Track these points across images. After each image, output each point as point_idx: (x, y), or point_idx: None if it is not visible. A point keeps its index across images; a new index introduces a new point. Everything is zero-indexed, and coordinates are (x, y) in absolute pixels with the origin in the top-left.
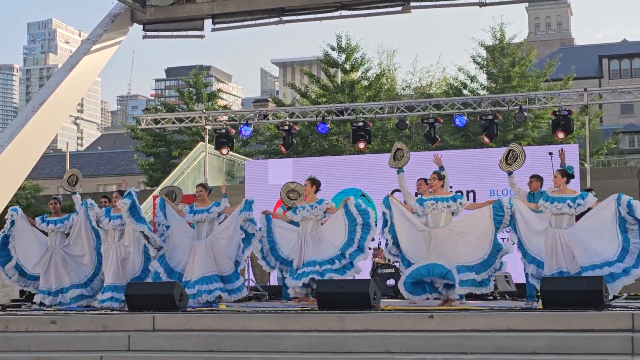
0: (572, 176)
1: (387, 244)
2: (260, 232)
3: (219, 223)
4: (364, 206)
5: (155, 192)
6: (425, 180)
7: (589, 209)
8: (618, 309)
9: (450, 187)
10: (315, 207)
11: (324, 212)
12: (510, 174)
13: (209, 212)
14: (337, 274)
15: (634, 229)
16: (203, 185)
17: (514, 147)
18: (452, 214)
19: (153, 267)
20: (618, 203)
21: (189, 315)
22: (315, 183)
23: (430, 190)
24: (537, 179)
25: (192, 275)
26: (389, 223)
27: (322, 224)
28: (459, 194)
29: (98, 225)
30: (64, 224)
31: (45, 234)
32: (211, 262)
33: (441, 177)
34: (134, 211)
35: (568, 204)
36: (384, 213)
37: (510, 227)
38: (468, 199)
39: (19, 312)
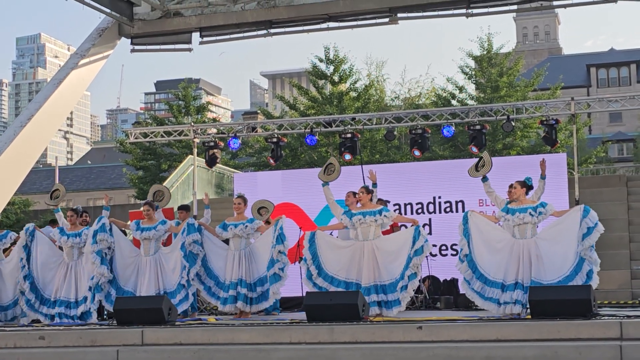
0: (531, 187)
1: (310, 275)
2: (202, 251)
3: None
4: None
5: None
6: (354, 193)
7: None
8: (606, 317)
9: (439, 198)
10: (247, 225)
11: (255, 231)
12: (484, 180)
13: (156, 230)
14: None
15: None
16: (149, 204)
17: (483, 155)
18: (380, 226)
19: (106, 290)
20: (584, 215)
21: (177, 329)
22: (245, 201)
23: (358, 204)
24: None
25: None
26: (314, 253)
27: None
28: (387, 205)
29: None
30: (1, 242)
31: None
32: (157, 279)
33: (369, 191)
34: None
35: (530, 213)
36: (309, 247)
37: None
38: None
39: (7, 328)
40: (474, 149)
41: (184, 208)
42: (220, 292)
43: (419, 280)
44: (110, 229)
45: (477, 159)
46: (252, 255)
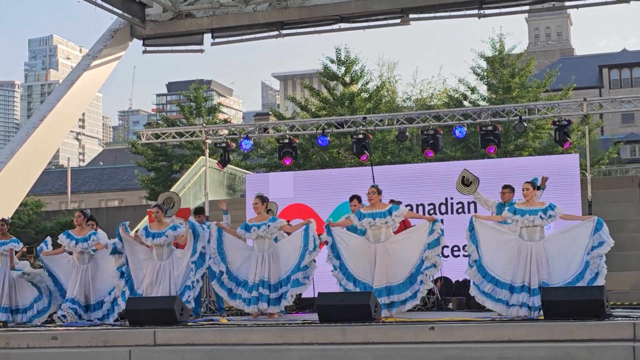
0: (539, 188)
1: (334, 268)
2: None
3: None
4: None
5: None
6: (356, 197)
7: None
8: (620, 318)
9: (452, 199)
10: (269, 225)
11: (278, 230)
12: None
13: (166, 237)
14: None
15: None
16: (159, 207)
17: (465, 173)
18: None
19: (120, 289)
20: (597, 228)
21: (189, 329)
22: (265, 200)
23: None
24: (510, 189)
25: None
26: (334, 249)
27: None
28: (397, 203)
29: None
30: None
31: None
32: (169, 283)
33: (379, 191)
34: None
35: (540, 216)
36: (327, 242)
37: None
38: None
39: (20, 329)
40: (491, 150)
41: (200, 211)
42: (243, 292)
43: (431, 281)
44: (121, 248)
45: (460, 175)
46: (275, 256)
